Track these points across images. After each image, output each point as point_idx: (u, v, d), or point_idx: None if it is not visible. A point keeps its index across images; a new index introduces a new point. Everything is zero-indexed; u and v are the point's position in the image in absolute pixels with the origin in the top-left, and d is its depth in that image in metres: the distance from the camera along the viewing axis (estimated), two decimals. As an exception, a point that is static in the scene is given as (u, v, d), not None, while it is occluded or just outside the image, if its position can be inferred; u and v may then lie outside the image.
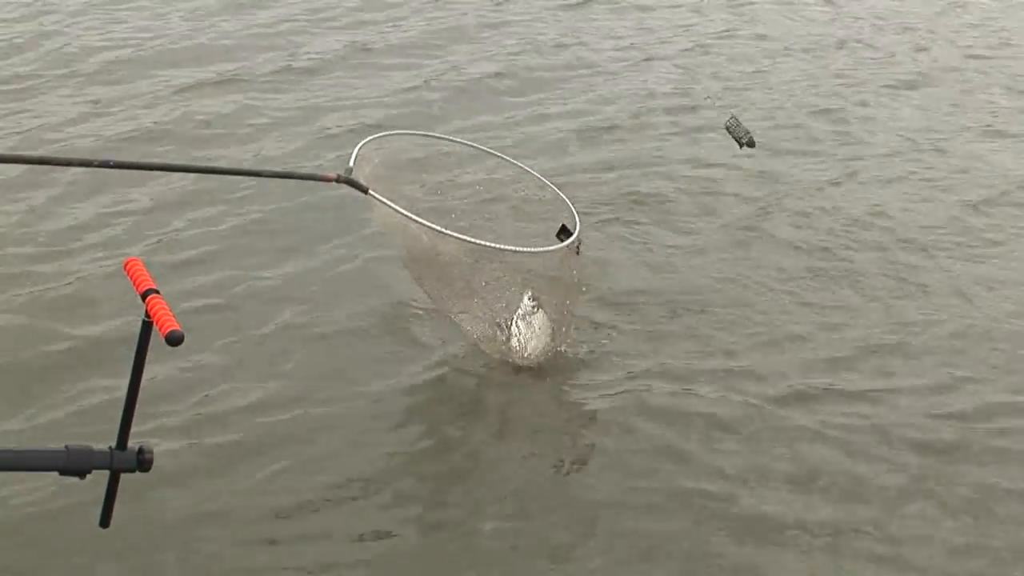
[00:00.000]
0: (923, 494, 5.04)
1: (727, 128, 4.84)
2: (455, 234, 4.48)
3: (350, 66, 8.74)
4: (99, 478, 2.59)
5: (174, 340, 2.47)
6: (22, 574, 3.93)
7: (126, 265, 2.70)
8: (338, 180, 4.15)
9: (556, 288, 5.22)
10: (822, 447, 5.24)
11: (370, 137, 4.62)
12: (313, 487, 4.54)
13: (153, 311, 2.52)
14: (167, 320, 2.49)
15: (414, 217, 4.32)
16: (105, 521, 2.81)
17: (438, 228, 4.39)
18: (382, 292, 5.76)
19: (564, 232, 5.01)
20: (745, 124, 4.93)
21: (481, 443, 4.99)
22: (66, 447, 2.62)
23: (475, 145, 5.39)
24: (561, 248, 4.92)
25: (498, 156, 5.19)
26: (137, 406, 2.59)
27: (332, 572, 4.19)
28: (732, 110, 5.01)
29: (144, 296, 2.57)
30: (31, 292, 5.66)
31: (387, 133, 4.92)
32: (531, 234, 5.23)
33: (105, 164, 3.92)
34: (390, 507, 4.49)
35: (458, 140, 5.42)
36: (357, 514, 4.43)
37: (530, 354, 5.15)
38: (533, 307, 5.14)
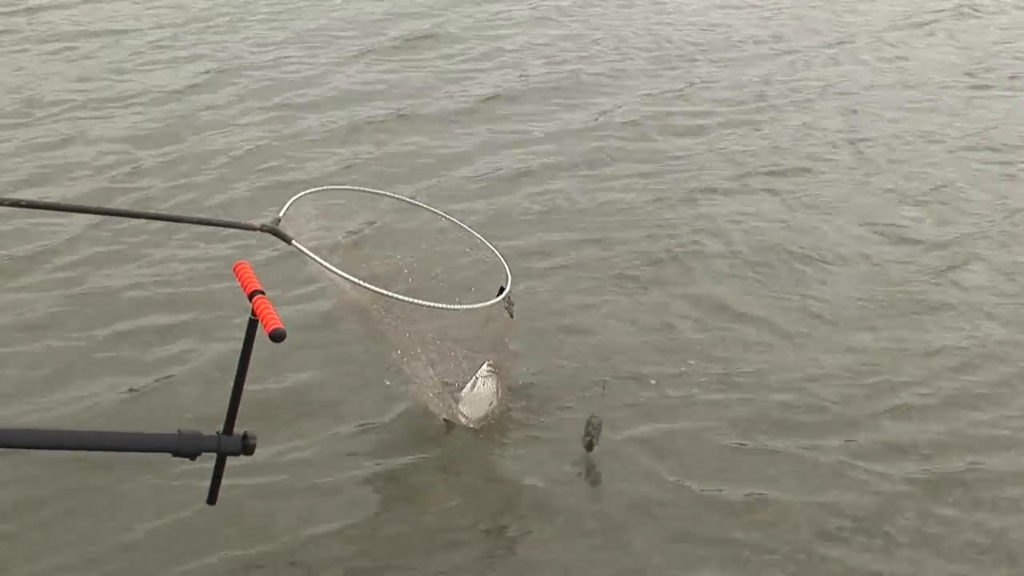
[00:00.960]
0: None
1: (588, 423, 4.96)
2: (372, 287, 4.38)
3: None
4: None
5: (277, 337, 2.75)
6: (133, 546, 4.13)
7: (235, 268, 2.98)
8: (262, 229, 4.09)
9: (488, 349, 4.85)
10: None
11: (305, 192, 4.57)
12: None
13: (259, 310, 2.80)
14: (271, 319, 2.77)
15: (334, 269, 4.25)
16: (212, 499, 3.09)
17: (355, 280, 4.27)
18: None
19: (501, 293, 4.87)
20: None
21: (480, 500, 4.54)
22: (179, 432, 2.92)
23: (416, 203, 5.27)
24: (483, 307, 4.79)
25: (441, 216, 5.09)
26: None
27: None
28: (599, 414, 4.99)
29: (251, 296, 2.86)
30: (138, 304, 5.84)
31: (321, 188, 4.81)
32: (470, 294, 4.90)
33: (16, 204, 3.73)
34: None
35: (398, 197, 5.27)
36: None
37: (474, 420, 5.01)
38: (489, 373, 4.94)
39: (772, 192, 7.31)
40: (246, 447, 2.94)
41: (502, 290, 4.82)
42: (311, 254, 4.15)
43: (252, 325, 2.86)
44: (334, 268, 4.21)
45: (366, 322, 4.80)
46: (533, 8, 10.61)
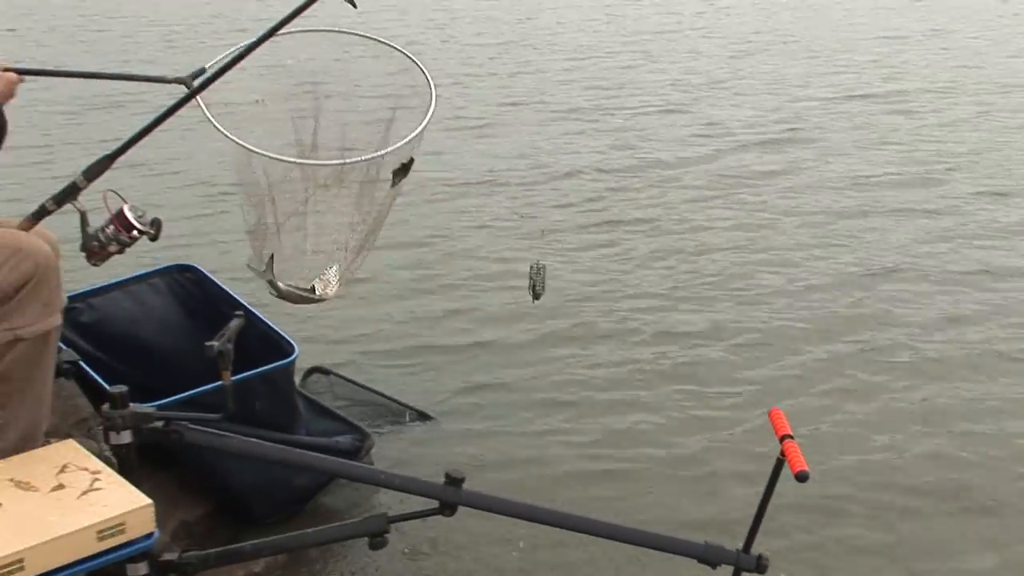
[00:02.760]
0: None
1: (531, 270, 4.34)
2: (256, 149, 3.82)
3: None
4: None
5: (802, 478, 3.21)
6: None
7: (771, 413, 3.50)
8: (177, 82, 3.67)
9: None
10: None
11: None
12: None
13: (788, 453, 3.29)
14: (798, 461, 3.24)
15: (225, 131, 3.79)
16: None
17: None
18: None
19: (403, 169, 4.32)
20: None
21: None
22: (705, 542, 3.47)
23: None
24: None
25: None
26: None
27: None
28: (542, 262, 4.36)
29: (782, 439, 3.35)
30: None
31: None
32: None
33: None
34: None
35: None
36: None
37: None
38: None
39: None
40: (760, 566, 3.42)
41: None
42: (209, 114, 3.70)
43: (779, 464, 3.34)
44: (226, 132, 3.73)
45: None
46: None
